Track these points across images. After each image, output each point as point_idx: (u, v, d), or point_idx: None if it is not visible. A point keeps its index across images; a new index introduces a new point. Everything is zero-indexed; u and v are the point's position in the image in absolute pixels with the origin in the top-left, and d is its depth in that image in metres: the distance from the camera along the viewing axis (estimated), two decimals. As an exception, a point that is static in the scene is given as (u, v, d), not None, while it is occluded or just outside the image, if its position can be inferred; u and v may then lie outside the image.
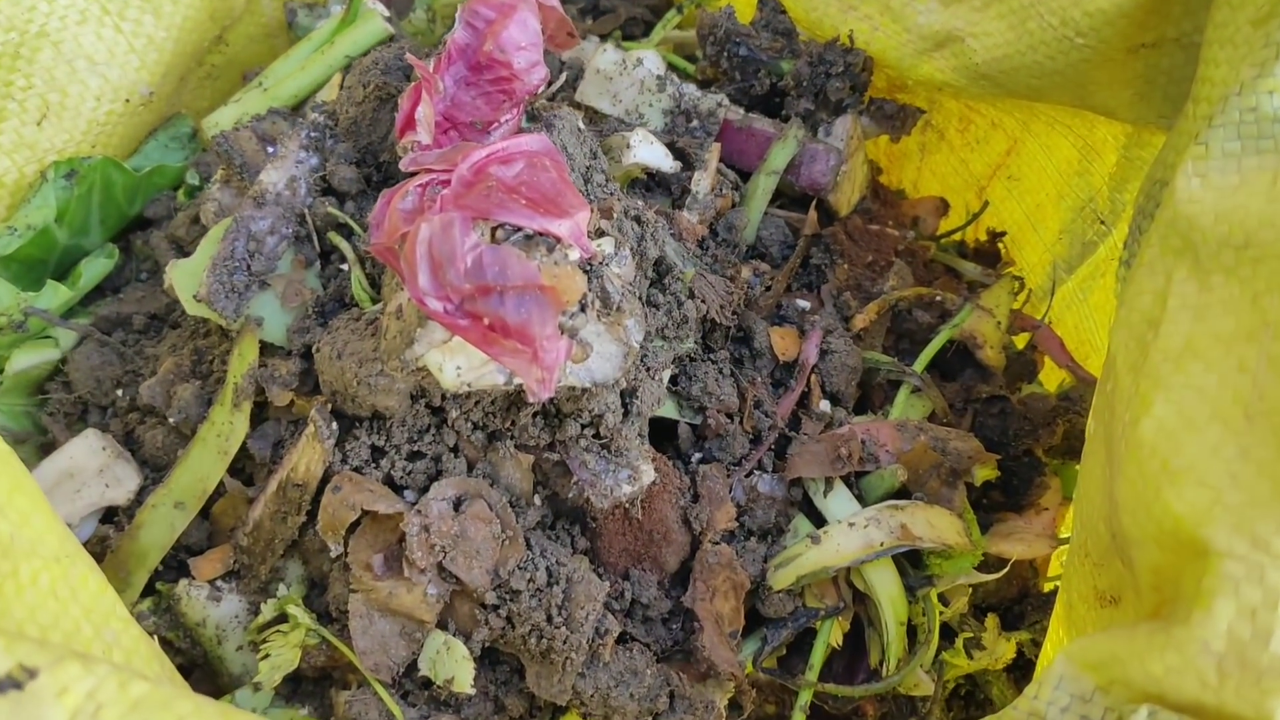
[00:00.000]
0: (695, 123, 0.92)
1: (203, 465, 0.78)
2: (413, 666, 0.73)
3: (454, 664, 0.71)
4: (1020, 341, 1.00)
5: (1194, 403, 0.56)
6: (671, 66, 1.01)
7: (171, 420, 0.81)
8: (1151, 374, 0.59)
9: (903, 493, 0.80)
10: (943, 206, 1.09)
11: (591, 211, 0.66)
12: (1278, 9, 0.63)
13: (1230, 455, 0.53)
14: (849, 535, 0.76)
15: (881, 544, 0.75)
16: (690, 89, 0.93)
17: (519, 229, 0.61)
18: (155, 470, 0.84)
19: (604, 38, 1.11)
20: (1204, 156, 0.61)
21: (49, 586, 0.53)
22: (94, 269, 0.92)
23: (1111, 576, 0.63)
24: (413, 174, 0.66)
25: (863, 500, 0.80)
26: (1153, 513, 0.55)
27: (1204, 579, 0.50)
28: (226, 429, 0.78)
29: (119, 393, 0.88)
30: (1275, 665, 0.46)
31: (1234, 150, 0.60)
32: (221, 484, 0.79)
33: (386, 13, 1.03)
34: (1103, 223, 0.96)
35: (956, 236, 1.09)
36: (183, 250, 0.93)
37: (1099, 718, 0.53)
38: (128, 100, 0.96)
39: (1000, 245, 1.07)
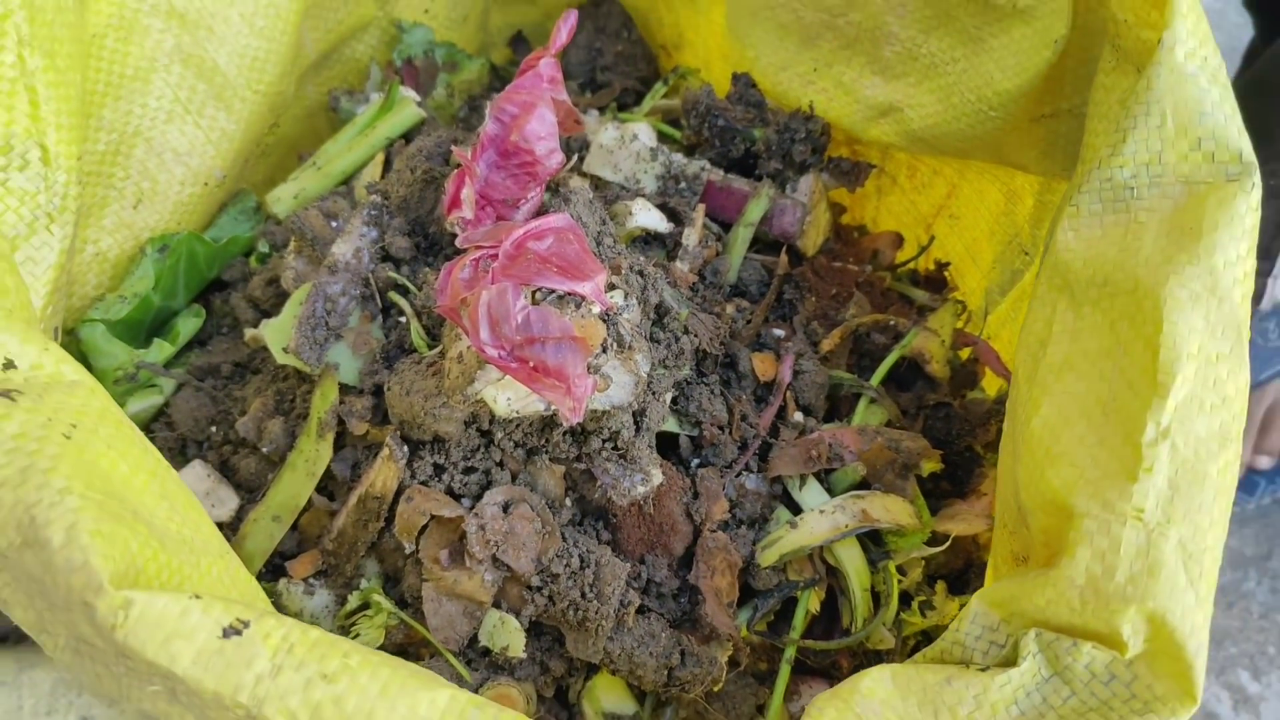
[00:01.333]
0: (683, 184, 1.11)
1: (294, 486, 0.96)
2: (474, 639, 0.91)
3: (508, 635, 0.89)
4: (965, 355, 1.19)
5: (1069, 405, 0.74)
6: (662, 135, 1.19)
7: (264, 450, 0.99)
8: (1041, 383, 0.77)
9: (864, 484, 0.98)
10: (898, 240, 1.28)
11: (606, 271, 0.85)
12: (1127, 97, 0.81)
13: (1091, 443, 0.70)
14: (820, 520, 0.94)
15: (847, 526, 0.93)
16: (678, 157, 1.12)
17: (553, 291, 0.79)
18: (249, 492, 1.02)
19: (602, 110, 1.29)
20: (1075, 215, 0.79)
21: (218, 576, 0.70)
22: (188, 327, 1.11)
23: (1021, 541, 0.81)
24: (464, 249, 0.85)
25: (831, 491, 0.98)
26: (1040, 488, 0.73)
27: (1070, 534, 0.67)
28: (313, 455, 0.96)
29: (213, 429, 1.06)
30: (1119, 593, 0.63)
31: (1096, 210, 0.78)
32: (310, 500, 0.96)
33: (418, 98, 1.21)
34: (1027, 254, 1.14)
35: (910, 266, 1.27)
36: (259, 308, 1.11)
37: (1002, 641, 0.69)
38: (205, 183, 1.15)
39: (946, 274, 1.25)
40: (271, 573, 0.99)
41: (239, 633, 0.43)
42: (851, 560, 0.95)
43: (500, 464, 0.93)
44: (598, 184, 1.11)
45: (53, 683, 0.78)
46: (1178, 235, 0.70)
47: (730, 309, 1.04)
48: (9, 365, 0.53)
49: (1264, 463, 1.05)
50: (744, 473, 0.98)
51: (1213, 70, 0.69)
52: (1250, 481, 1.08)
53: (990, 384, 1.18)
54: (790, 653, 0.95)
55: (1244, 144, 0.69)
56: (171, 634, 0.39)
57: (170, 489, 0.72)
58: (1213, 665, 0.97)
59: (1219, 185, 0.71)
